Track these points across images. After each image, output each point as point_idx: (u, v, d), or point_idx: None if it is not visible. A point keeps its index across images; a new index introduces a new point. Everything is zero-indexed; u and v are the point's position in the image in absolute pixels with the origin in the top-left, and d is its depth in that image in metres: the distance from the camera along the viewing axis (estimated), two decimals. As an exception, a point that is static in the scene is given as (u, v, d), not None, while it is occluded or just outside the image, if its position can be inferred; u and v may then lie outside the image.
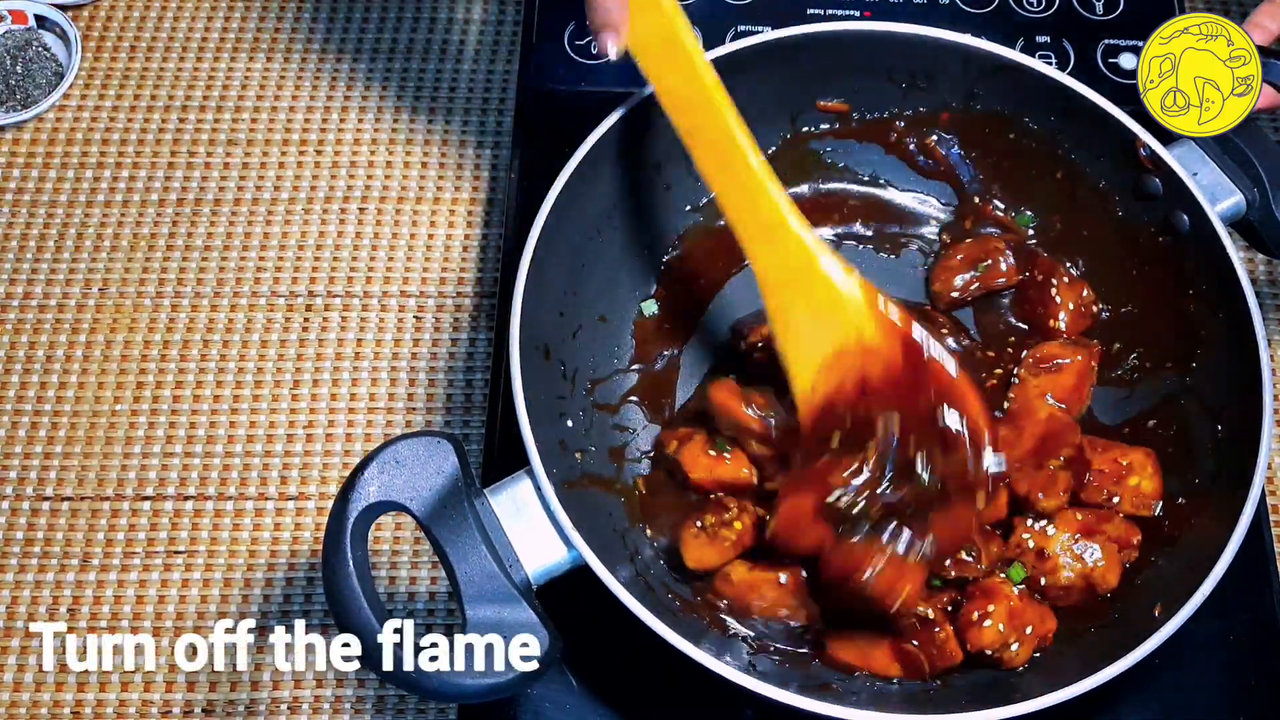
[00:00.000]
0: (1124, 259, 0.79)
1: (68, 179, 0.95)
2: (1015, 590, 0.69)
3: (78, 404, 0.87)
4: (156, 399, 0.88)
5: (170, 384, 0.88)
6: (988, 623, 0.67)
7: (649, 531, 0.74)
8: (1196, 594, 0.63)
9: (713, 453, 0.72)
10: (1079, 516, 0.71)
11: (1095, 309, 0.80)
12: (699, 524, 0.70)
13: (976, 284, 0.80)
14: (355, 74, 1.00)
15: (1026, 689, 0.62)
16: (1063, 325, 0.79)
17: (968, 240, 0.82)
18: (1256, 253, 0.82)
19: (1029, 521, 0.71)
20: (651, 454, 0.76)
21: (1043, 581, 0.70)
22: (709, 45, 0.88)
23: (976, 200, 0.84)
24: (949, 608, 0.70)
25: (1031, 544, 0.71)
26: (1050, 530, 0.71)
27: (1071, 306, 0.79)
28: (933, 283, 0.82)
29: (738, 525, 0.70)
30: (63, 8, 1.00)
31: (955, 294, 0.81)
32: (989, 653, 0.68)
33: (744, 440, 0.72)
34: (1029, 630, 0.68)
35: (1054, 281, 0.80)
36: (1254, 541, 0.78)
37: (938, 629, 0.68)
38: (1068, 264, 0.81)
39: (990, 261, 0.80)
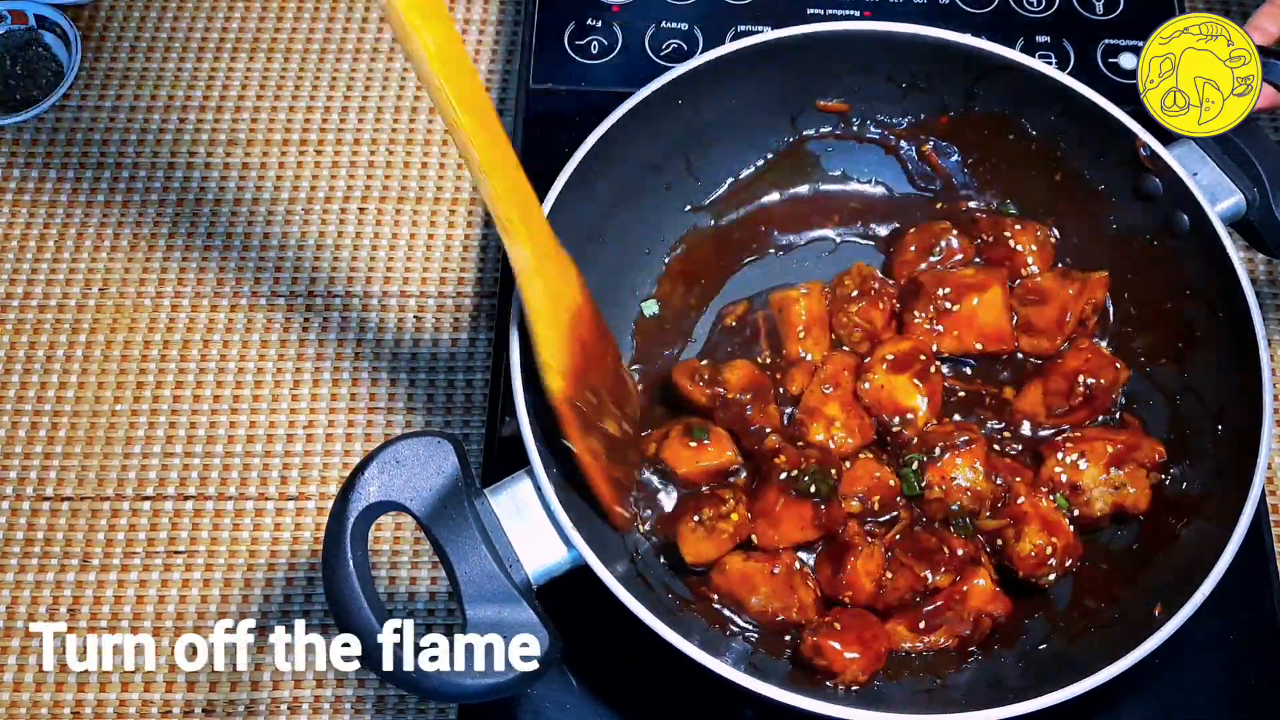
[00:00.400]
0: (1123, 260, 0.79)
1: (68, 179, 0.95)
2: (1059, 512, 0.72)
3: (78, 404, 0.87)
4: (156, 399, 0.88)
5: (170, 384, 0.88)
6: (1037, 540, 0.70)
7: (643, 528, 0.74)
8: (1196, 594, 0.63)
9: (693, 444, 0.72)
10: (1109, 448, 0.72)
11: (1054, 239, 0.80)
12: (696, 518, 0.70)
13: (939, 269, 0.81)
14: (355, 74, 1.00)
15: (1027, 689, 0.62)
16: (1035, 267, 0.79)
17: (911, 231, 0.82)
18: (1256, 253, 0.82)
19: (1059, 455, 0.72)
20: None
21: (1076, 513, 0.72)
22: (709, 45, 0.89)
23: (965, 206, 0.85)
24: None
25: (1065, 478, 0.72)
26: (1082, 465, 0.72)
27: (1035, 247, 0.79)
28: (896, 278, 0.81)
29: (734, 516, 0.70)
30: (63, 8, 1.00)
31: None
32: (1026, 574, 0.70)
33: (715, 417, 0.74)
34: (1069, 562, 0.71)
35: (1006, 234, 0.80)
36: (1254, 541, 0.78)
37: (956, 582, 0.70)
38: (999, 203, 0.83)
39: (942, 244, 0.80)
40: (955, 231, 0.80)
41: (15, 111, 0.96)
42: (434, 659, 0.58)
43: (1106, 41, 0.95)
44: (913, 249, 0.81)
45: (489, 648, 0.59)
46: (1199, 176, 0.75)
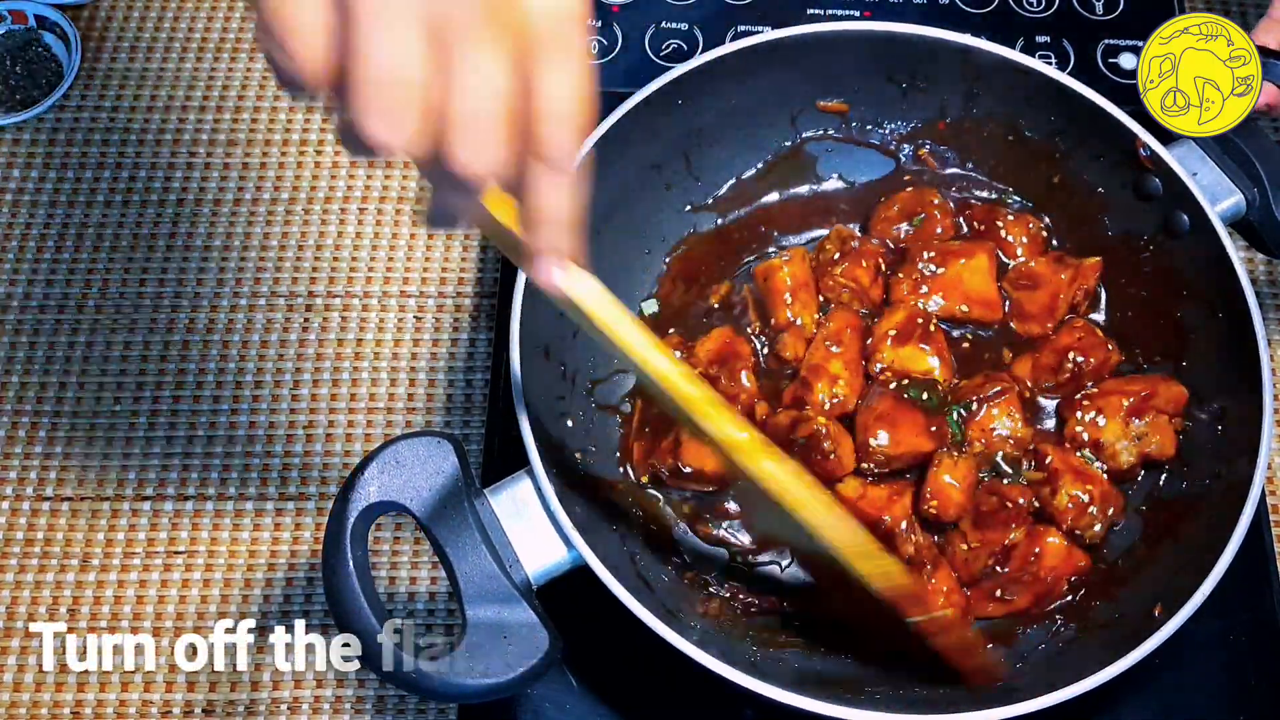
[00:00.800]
0: (1123, 260, 0.79)
1: (68, 179, 0.95)
2: (1096, 468, 0.73)
3: (78, 404, 0.87)
4: (156, 399, 0.87)
5: (170, 384, 0.88)
6: (1073, 491, 0.71)
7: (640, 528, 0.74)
8: (1196, 594, 0.63)
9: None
10: (1125, 402, 0.73)
11: (1044, 233, 0.81)
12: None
13: (912, 234, 0.81)
14: (355, 74, 1.00)
15: (1027, 689, 0.62)
16: (1023, 256, 0.80)
17: (908, 189, 0.83)
18: (1256, 253, 0.82)
19: (1078, 414, 0.73)
20: (638, 475, 0.76)
21: (1104, 467, 0.73)
22: (709, 45, 0.89)
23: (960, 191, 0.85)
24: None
25: (1086, 437, 0.73)
26: (1100, 421, 0.73)
27: (1025, 239, 0.80)
28: (873, 234, 0.82)
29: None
30: (63, 8, 1.00)
31: (890, 242, 0.82)
32: (1070, 528, 0.71)
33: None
34: (1110, 510, 0.72)
35: (999, 223, 0.80)
36: (1254, 541, 0.78)
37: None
38: (1001, 194, 0.83)
39: (924, 215, 0.81)
40: (939, 203, 0.81)
41: (15, 111, 0.96)
42: (434, 659, 0.58)
43: (1106, 41, 0.95)
44: (896, 208, 0.81)
45: (489, 648, 0.59)
46: (1199, 176, 0.75)
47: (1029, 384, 0.76)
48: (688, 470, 0.72)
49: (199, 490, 0.85)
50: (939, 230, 0.80)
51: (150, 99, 0.99)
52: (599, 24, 0.95)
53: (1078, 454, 0.73)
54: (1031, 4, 0.97)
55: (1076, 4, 0.97)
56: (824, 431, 0.71)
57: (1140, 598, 0.69)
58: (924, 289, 0.77)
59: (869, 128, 0.84)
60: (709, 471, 0.72)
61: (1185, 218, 0.74)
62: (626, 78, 0.91)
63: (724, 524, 0.74)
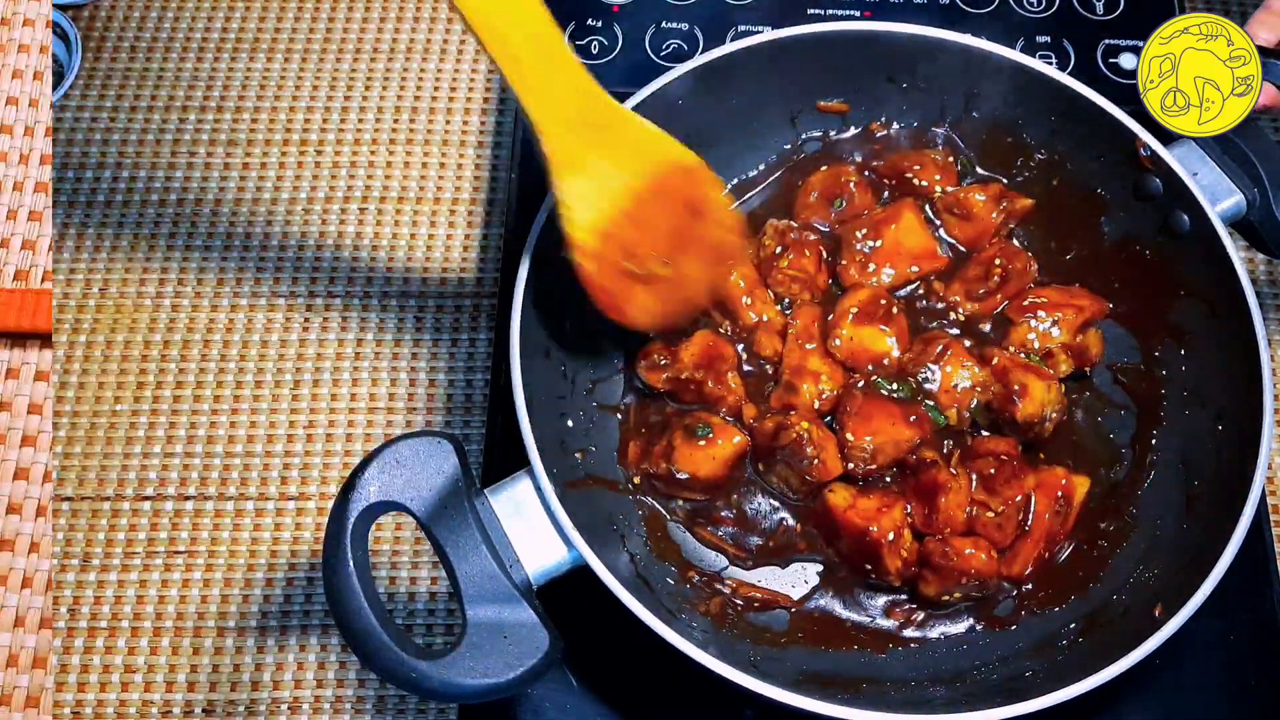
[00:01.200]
0: (1123, 261, 0.79)
1: (68, 179, 0.95)
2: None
3: (78, 404, 0.87)
4: (156, 399, 0.88)
5: (170, 384, 0.88)
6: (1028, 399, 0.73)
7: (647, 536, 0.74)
8: (1196, 594, 0.63)
9: (701, 441, 0.72)
10: (1072, 314, 0.76)
11: (951, 157, 0.82)
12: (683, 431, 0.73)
13: (838, 215, 0.81)
14: (355, 74, 1.00)
15: (1027, 689, 0.62)
16: (941, 191, 0.81)
17: (822, 169, 0.83)
18: (1256, 253, 0.82)
19: (1031, 322, 0.76)
20: (636, 478, 0.76)
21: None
22: (709, 45, 0.89)
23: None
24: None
25: (1037, 344, 0.75)
26: (1055, 332, 0.76)
27: (939, 176, 0.81)
28: (799, 219, 0.82)
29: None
30: (63, 8, 1.00)
31: (820, 225, 0.82)
32: (1024, 420, 0.72)
33: (686, 393, 0.76)
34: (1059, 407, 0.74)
35: (909, 175, 0.81)
36: (1254, 541, 0.78)
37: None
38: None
39: (844, 195, 0.81)
40: (857, 180, 0.81)
41: (15, 111, 0.96)
42: (434, 659, 0.58)
43: (1106, 41, 0.95)
44: (814, 196, 0.82)
45: (489, 648, 0.59)
46: (1199, 176, 0.75)
47: (964, 307, 0.78)
48: (681, 476, 0.72)
49: (199, 490, 0.85)
50: (865, 212, 0.81)
51: (150, 99, 0.99)
52: (599, 24, 0.95)
53: (1022, 357, 0.75)
54: (1031, 4, 0.97)
55: (1076, 4, 0.97)
56: (806, 437, 0.71)
57: (1140, 597, 0.69)
58: (871, 266, 0.78)
59: (865, 135, 0.84)
60: (702, 477, 0.72)
61: (1185, 218, 0.74)
62: (627, 78, 0.91)
63: (721, 529, 0.74)
